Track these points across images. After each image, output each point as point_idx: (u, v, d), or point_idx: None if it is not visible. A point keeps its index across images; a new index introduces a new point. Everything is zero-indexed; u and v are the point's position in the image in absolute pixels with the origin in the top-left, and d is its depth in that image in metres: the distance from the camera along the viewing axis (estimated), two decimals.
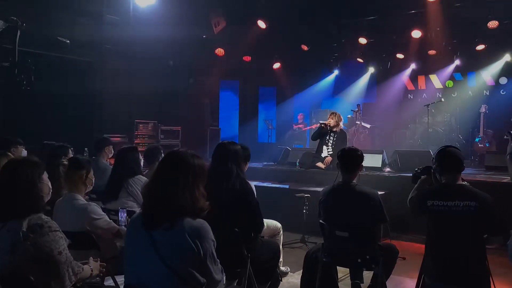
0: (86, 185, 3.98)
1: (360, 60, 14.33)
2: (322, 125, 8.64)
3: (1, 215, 2.75)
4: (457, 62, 13.13)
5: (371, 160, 8.55)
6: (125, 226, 3.99)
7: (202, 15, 10.97)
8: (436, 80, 14.18)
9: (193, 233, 2.48)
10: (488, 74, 13.23)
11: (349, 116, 13.89)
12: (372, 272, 4.18)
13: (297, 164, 9.34)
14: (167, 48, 11.45)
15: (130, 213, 4.16)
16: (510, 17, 10.58)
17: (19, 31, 6.77)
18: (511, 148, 3.23)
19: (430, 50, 12.82)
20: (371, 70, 14.74)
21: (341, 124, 8.66)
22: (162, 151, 5.71)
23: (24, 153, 5.90)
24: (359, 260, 4.06)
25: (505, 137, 3.60)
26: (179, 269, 2.46)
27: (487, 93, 13.32)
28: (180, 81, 12.43)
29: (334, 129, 8.58)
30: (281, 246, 5.25)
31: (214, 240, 2.58)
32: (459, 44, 12.54)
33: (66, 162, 3.93)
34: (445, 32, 11.87)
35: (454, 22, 11.22)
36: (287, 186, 8.64)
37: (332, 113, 8.72)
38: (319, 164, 8.65)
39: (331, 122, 8.53)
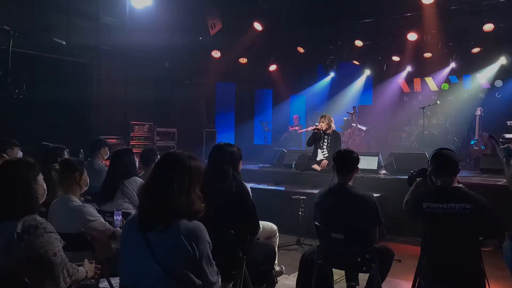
0: (81, 187, 3.95)
1: (356, 62, 14.36)
2: (315, 130, 8.65)
3: None
4: (452, 65, 13.16)
5: (367, 163, 8.58)
6: (120, 228, 3.98)
7: (198, 17, 10.98)
8: (431, 83, 14.22)
9: (189, 235, 2.48)
10: (484, 77, 13.27)
11: (345, 118, 13.92)
12: (368, 274, 4.18)
13: (293, 166, 9.34)
14: (163, 50, 11.45)
15: (125, 214, 4.15)
16: (505, 20, 10.62)
17: (11, 40, 6.76)
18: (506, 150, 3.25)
19: (426, 52, 12.85)
20: (367, 72, 14.75)
21: (332, 125, 8.66)
22: (158, 153, 5.71)
23: (20, 154, 5.88)
24: (354, 263, 4.06)
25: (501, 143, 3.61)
26: (174, 271, 2.46)
27: (483, 96, 13.35)
28: (176, 83, 12.44)
29: (327, 132, 8.59)
30: (276, 248, 5.24)
31: (210, 242, 2.58)
32: (455, 47, 12.57)
33: (57, 167, 3.90)
34: (441, 35, 11.91)
35: (450, 25, 11.27)
36: (283, 188, 8.64)
37: (322, 116, 8.71)
38: (315, 166, 8.65)
39: (323, 125, 8.54)
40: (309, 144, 8.97)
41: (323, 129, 8.55)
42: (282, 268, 5.56)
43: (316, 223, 4.32)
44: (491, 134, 3.60)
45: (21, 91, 6.97)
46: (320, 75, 15.68)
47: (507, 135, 11.18)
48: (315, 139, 8.74)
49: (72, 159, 4.25)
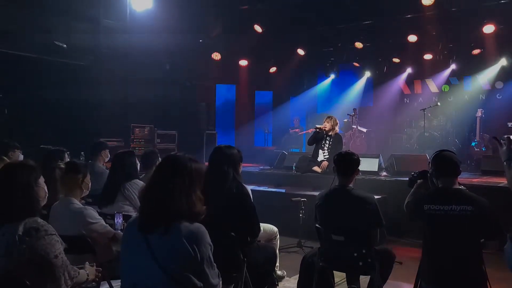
0: (82, 189, 3.96)
1: (356, 64, 14.36)
2: (317, 129, 8.65)
3: None
4: (453, 66, 13.18)
5: (367, 164, 8.57)
6: (121, 230, 3.98)
7: (198, 19, 10.98)
8: (432, 84, 14.22)
9: (190, 237, 2.48)
10: (484, 78, 13.25)
11: (346, 120, 13.89)
12: (369, 276, 4.17)
13: (294, 168, 9.33)
14: (164, 52, 11.45)
15: (126, 217, 4.15)
16: (506, 21, 10.62)
17: None
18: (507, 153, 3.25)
19: (426, 54, 12.87)
20: (368, 74, 14.75)
21: (336, 128, 8.65)
22: (159, 155, 5.71)
23: (21, 157, 5.90)
24: (355, 265, 4.06)
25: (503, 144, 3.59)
26: (175, 273, 2.46)
27: (483, 97, 13.34)
28: (177, 85, 12.44)
29: (330, 133, 8.59)
30: (277, 251, 5.23)
31: (211, 244, 2.58)
32: (455, 48, 12.58)
33: (63, 166, 3.91)
34: (441, 37, 11.93)
35: (450, 26, 11.26)
36: (283, 190, 8.63)
37: (328, 117, 8.72)
38: (316, 168, 8.63)
39: (327, 126, 8.54)
40: (309, 143, 8.98)
41: (326, 129, 8.55)
42: (283, 273, 5.56)
43: (317, 225, 4.32)
44: (494, 136, 3.59)
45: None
46: (320, 77, 15.69)
47: None
48: (316, 138, 8.74)
49: (78, 161, 4.27)
